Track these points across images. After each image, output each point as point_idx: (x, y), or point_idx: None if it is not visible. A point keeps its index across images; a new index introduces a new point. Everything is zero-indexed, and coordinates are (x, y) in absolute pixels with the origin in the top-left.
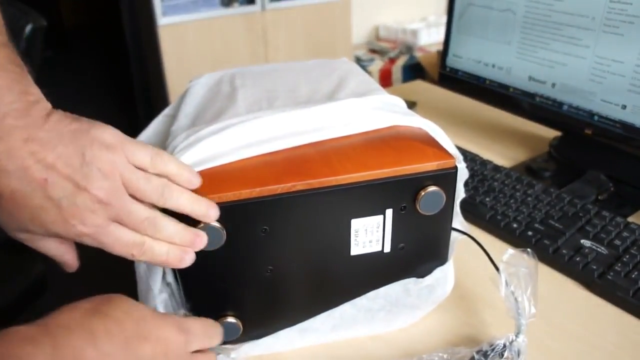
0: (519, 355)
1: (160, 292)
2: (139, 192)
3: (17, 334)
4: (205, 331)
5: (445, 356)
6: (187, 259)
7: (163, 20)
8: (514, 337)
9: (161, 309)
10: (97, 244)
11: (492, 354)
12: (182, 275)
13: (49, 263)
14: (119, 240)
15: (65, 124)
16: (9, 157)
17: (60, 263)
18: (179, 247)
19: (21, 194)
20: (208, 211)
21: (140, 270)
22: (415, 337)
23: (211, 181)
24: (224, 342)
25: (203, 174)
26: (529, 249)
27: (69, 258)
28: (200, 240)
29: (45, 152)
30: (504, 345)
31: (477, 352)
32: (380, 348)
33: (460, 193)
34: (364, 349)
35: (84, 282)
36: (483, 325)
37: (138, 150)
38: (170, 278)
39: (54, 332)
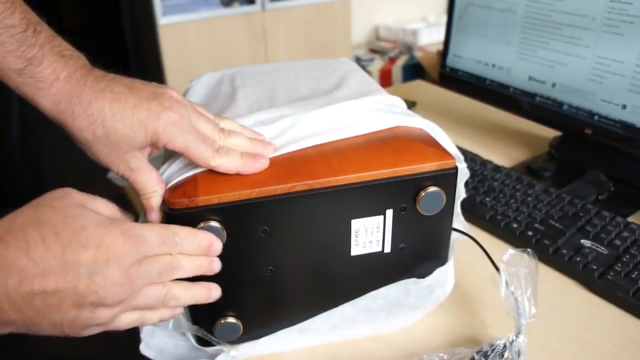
0: (519, 355)
1: None
2: None
3: None
4: (161, 236)
5: (445, 356)
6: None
7: (163, 20)
8: (514, 338)
9: None
10: None
11: (492, 355)
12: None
13: None
14: None
15: None
16: None
17: None
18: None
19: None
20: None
21: None
22: (415, 337)
23: (211, 181)
24: (224, 342)
25: (203, 176)
26: (529, 249)
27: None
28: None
29: None
30: (504, 346)
31: (477, 353)
32: (381, 348)
33: (461, 193)
34: (364, 349)
35: None
36: (483, 325)
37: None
38: None
39: None
